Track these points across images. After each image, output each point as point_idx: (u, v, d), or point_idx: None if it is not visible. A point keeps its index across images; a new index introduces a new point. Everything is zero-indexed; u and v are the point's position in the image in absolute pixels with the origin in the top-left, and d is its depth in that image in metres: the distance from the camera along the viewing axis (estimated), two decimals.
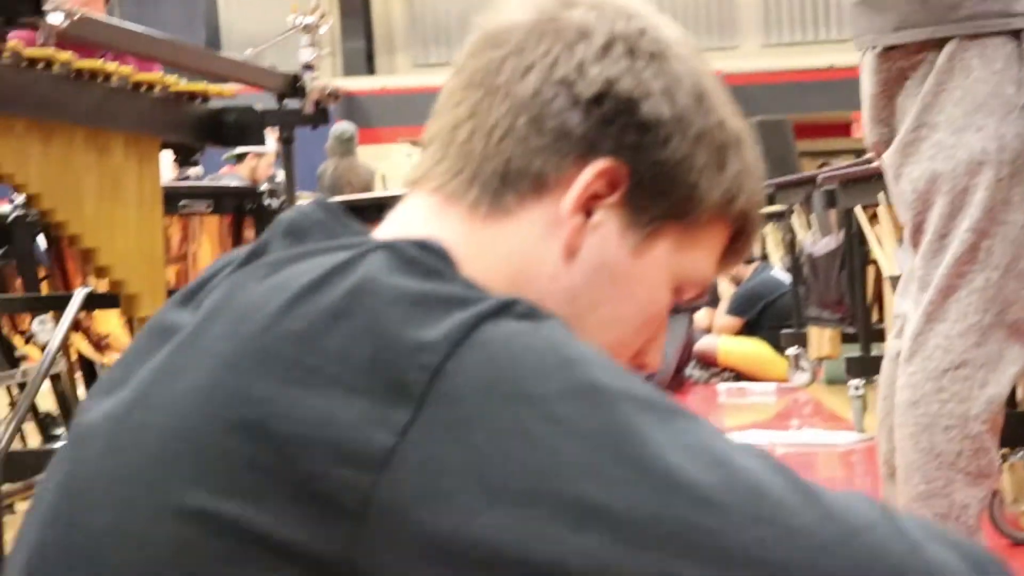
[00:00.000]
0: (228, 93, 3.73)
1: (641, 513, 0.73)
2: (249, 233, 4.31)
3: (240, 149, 7.65)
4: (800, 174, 8.05)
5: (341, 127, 9.54)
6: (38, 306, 4.16)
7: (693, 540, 0.73)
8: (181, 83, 3.45)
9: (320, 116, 3.83)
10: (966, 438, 2.38)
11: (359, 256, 0.82)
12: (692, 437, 0.77)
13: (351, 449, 0.74)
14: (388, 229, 0.94)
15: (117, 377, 0.88)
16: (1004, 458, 3.45)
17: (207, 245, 4.29)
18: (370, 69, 16.80)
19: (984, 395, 2.37)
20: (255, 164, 7.99)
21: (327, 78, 4.00)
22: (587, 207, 0.92)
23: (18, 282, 4.42)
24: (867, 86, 2.47)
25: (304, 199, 4.61)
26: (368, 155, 10.58)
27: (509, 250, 0.92)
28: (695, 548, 0.73)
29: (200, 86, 3.53)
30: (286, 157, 3.92)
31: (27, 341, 4.61)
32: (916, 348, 2.42)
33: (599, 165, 0.91)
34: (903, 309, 2.56)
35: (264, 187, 4.45)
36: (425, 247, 0.83)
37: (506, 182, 0.91)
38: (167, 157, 3.72)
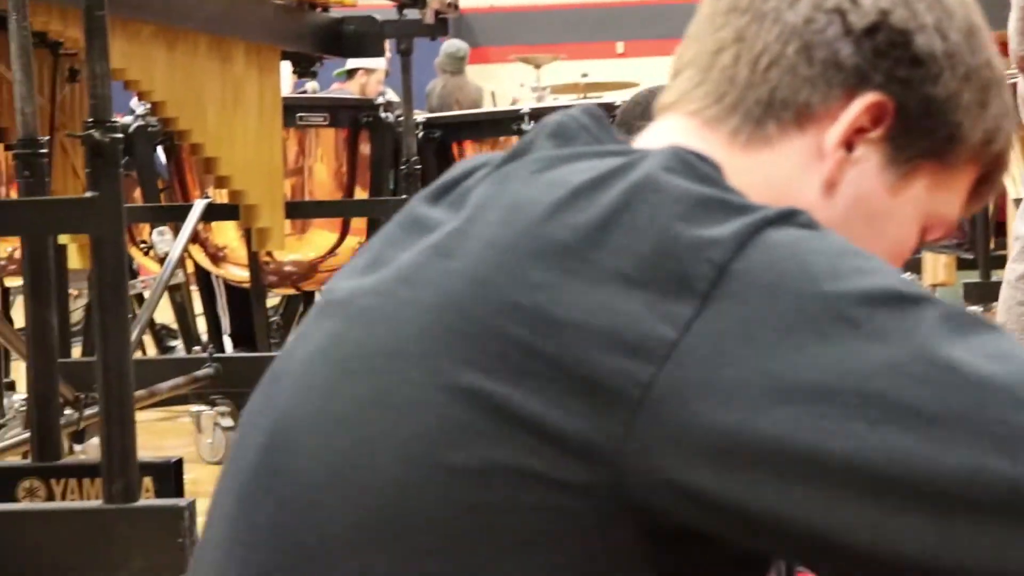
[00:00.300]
0: (348, 3, 3.71)
1: (947, 411, 0.72)
2: (364, 147, 4.32)
3: (352, 63, 7.65)
4: None
5: (455, 44, 9.51)
6: (159, 216, 4.21)
7: (1005, 437, 0.71)
8: None
9: (440, 27, 3.79)
10: None
11: (637, 159, 0.80)
12: (995, 346, 0.75)
13: (632, 340, 0.73)
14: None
15: (369, 261, 0.87)
16: None
17: (324, 158, 4.31)
18: None
19: None
20: (365, 81, 7.96)
21: None
22: (850, 141, 0.89)
23: (137, 192, 4.47)
24: None
25: (418, 115, 4.61)
26: (476, 74, 10.55)
27: (767, 179, 0.89)
28: (1007, 445, 0.71)
29: None
30: (404, 69, 3.88)
31: (146, 253, 4.68)
32: None
33: (868, 99, 0.88)
34: (1023, 231, 2.53)
35: (380, 100, 4.45)
36: (701, 157, 0.81)
37: (769, 111, 0.89)
38: (286, 68, 3.70)
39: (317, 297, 4.74)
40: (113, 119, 2.00)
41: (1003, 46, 2.49)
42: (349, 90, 7.91)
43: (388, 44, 4.10)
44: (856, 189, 0.90)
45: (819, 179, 0.89)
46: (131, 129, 4.29)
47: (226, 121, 3.23)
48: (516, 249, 0.78)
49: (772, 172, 0.89)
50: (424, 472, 0.76)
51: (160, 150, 4.43)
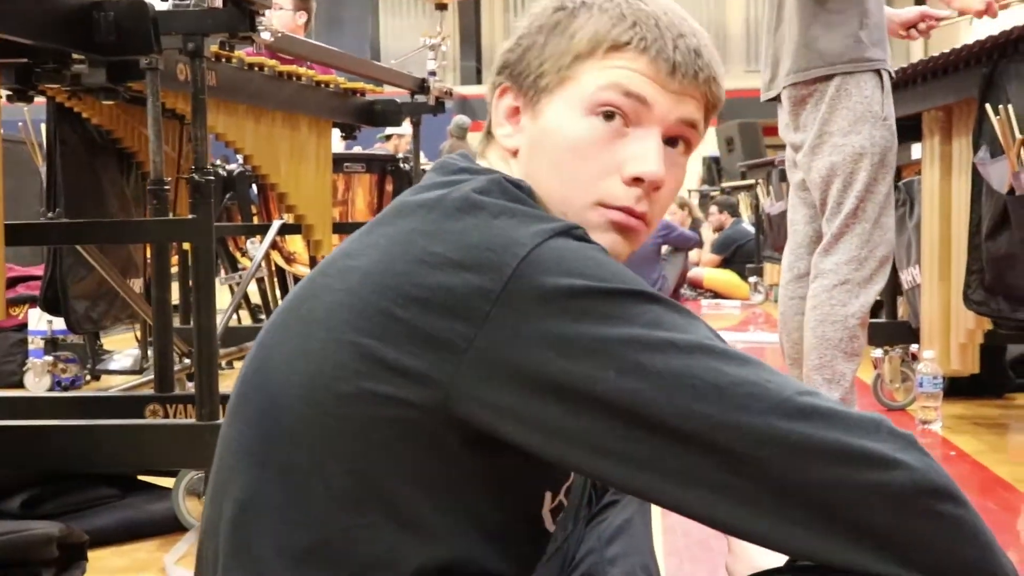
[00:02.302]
0: (378, 91, 3.73)
1: (667, 368, 0.74)
2: (389, 186, 4.32)
3: (389, 130, 7.66)
4: (763, 158, 7.91)
5: (461, 118, 9.51)
6: (250, 231, 4.22)
7: (705, 389, 0.73)
8: (347, 83, 3.46)
9: (439, 107, 3.83)
10: (845, 329, 2.44)
11: (466, 183, 0.83)
12: (700, 329, 0.77)
13: (460, 309, 0.75)
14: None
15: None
16: (886, 352, 3.42)
17: (361, 194, 4.32)
18: (478, 80, 16.72)
19: (858, 302, 2.44)
20: (398, 142, 7.97)
21: (446, 85, 3.97)
22: (513, 118, 0.92)
23: (238, 216, 4.49)
24: (782, 109, 2.57)
25: (426, 166, 4.61)
26: (474, 140, 10.56)
27: (507, 161, 0.93)
28: (708, 395, 0.73)
29: (359, 85, 3.53)
30: (415, 135, 3.94)
31: (243, 255, 4.68)
32: (818, 273, 2.47)
33: (501, 89, 0.92)
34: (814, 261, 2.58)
35: (400, 156, 4.47)
36: (511, 181, 0.85)
37: (489, 132, 0.94)
38: (336, 133, 3.71)
39: None
40: (208, 166, 2.02)
41: None
42: (387, 148, 7.91)
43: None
44: (532, 135, 0.91)
45: (515, 143, 0.92)
46: (235, 173, 4.30)
47: (293, 169, 3.23)
48: (390, 250, 0.80)
49: (505, 159, 0.93)
50: (323, 396, 0.79)
51: (254, 187, 4.43)
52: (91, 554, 1.99)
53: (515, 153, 0.91)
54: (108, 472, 2.27)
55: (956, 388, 3.49)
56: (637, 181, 0.88)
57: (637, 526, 1.23)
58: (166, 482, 2.28)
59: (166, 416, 2.28)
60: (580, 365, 0.74)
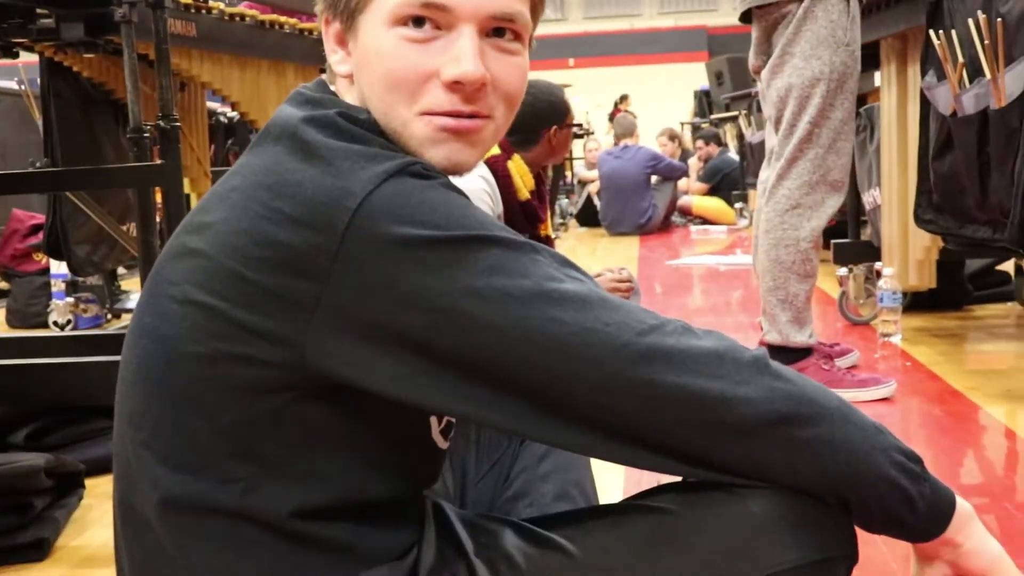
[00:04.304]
0: None
1: (503, 319, 0.71)
2: None
3: None
4: (745, 90, 7.78)
5: None
6: None
7: (547, 338, 0.71)
8: None
9: None
10: (798, 252, 2.37)
11: (312, 117, 0.77)
12: (544, 270, 0.74)
13: (303, 267, 0.71)
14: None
15: None
16: (850, 270, 3.38)
17: None
18: None
19: (810, 226, 2.37)
20: None
21: None
22: (343, 45, 0.85)
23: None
24: (754, 31, 2.42)
25: None
26: None
27: (349, 88, 0.85)
28: (546, 344, 0.71)
29: None
30: None
31: None
32: (770, 196, 2.41)
33: (324, 20, 0.86)
34: (765, 176, 2.51)
35: None
36: (347, 116, 0.78)
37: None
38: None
39: None
40: (174, 113, 1.97)
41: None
42: None
43: None
44: (356, 57, 0.83)
45: (347, 69, 0.85)
46: (235, 120, 4.24)
47: None
48: (237, 206, 0.76)
49: (350, 73, 0.85)
50: (183, 359, 0.76)
51: (254, 132, 4.37)
52: (89, 482, 1.98)
53: (351, 78, 0.85)
54: (108, 405, 2.25)
55: (918, 302, 3.45)
56: (456, 84, 0.80)
57: None
58: None
59: None
60: (421, 319, 0.71)
